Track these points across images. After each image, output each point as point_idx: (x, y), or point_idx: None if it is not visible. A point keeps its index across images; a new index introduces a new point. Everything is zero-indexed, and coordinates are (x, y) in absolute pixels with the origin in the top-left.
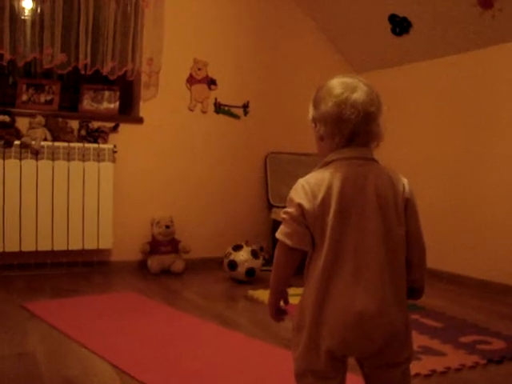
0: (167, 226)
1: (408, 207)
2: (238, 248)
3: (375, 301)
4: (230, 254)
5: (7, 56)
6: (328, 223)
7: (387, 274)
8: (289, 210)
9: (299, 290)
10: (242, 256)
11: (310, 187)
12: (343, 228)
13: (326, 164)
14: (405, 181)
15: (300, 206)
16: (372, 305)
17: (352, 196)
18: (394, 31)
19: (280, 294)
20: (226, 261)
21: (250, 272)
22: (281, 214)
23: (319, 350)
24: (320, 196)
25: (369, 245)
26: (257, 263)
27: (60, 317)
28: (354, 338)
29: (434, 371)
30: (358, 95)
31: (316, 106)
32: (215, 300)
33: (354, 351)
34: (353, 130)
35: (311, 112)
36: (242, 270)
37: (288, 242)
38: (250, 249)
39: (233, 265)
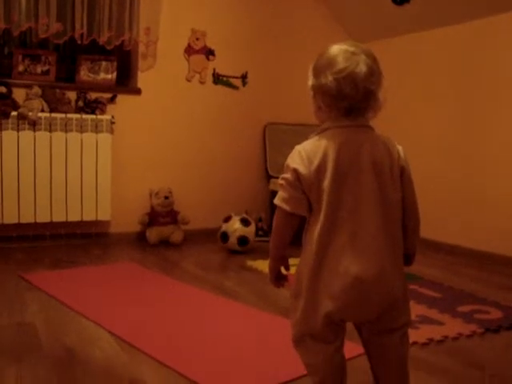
0: (166, 197)
1: (403, 175)
2: (227, 219)
3: (373, 265)
4: (221, 226)
5: (1, 25)
6: (324, 188)
7: (384, 239)
8: (285, 175)
9: (290, 261)
10: (232, 226)
11: (306, 153)
12: (339, 193)
13: (323, 131)
14: (400, 148)
15: (296, 171)
16: (370, 269)
17: (348, 162)
18: (394, 0)
19: (280, 260)
20: (218, 234)
21: (242, 240)
22: (278, 181)
23: (317, 315)
24: (316, 162)
25: (365, 209)
26: (248, 231)
27: (59, 287)
28: (351, 302)
29: (431, 340)
30: (359, 70)
31: (316, 75)
32: (214, 270)
33: (351, 316)
34: (351, 105)
35: (311, 80)
36: (233, 239)
37: (286, 207)
38: (238, 218)
39: (224, 236)
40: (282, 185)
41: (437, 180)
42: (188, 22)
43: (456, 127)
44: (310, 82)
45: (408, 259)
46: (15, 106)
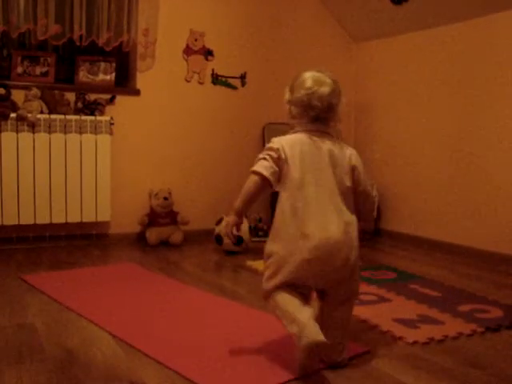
0: (165, 198)
1: (355, 172)
2: (219, 222)
3: (336, 232)
4: (214, 229)
5: (0, 27)
6: (293, 171)
7: (339, 215)
8: (269, 152)
9: None
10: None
11: (285, 142)
12: (304, 176)
13: (295, 132)
14: (353, 152)
15: (278, 150)
16: (335, 234)
17: (310, 155)
18: (393, 0)
19: (241, 217)
20: (213, 238)
21: (237, 240)
22: (259, 156)
23: (289, 268)
24: (288, 151)
25: (325, 191)
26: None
27: (59, 288)
28: (321, 259)
29: (431, 339)
30: (324, 89)
31: (292, 91)
32: (214, 271)
33: (319, 270)
34: (317, 115)
35: (287, 95)
36: (227, 240)
37: (264, 172)
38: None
39: (218, 239)
40: (264, 158)
41: (437, 179)
42: (186, 23)
43: (456, 126)
44: (287, 96)
45: (366, 234)
46: (14, 108)
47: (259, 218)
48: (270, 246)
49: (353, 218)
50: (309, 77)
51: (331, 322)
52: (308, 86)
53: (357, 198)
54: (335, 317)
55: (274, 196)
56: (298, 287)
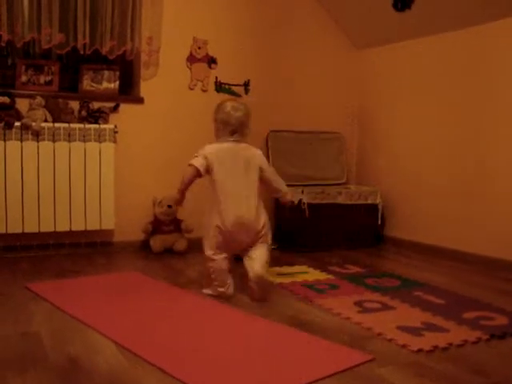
0: (169, 206)
1: (262, 167)
2: None
3: (247, 212)
4: None
5: (5, 36)
6: (216, 170)
7: (248, 199)
8: (200, 154)
9: (293, 269)
10: None
11: (211, 149)
12: (225, 173)
13: (219, 142)
14: (259, 152)
15: (206, 156)
16: (246, 214)
17: (230, 158)
18: (395, 6)
19: (182, 196)
20: None
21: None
22: (194, 155)
23: (218, 236)
24: (214, 156)
25: (239, 182)
26: None
27: (63, 297)
28: (237, 230)
29: (436, 347)
30: (238, 113)
31: (217, 113)
32: None
33: (237, 237)
34: (233, 130)
35: (214, 115)
36: None
37: (199, 167)
38: None
39: None
40: (197, 156)
41: (440, 186)
42: (190, 31)
43: (460, 132)
44: (214, 116)
45: (285, 203)
46: (18, 117)
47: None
48: (206, 221)
49: (258, 202)
50: (228, 104)
51: (251, 257)
52: (227, 111)
53: (267, 182)
54: (251, 253)
55: (278, 205)
56: (226, 251)
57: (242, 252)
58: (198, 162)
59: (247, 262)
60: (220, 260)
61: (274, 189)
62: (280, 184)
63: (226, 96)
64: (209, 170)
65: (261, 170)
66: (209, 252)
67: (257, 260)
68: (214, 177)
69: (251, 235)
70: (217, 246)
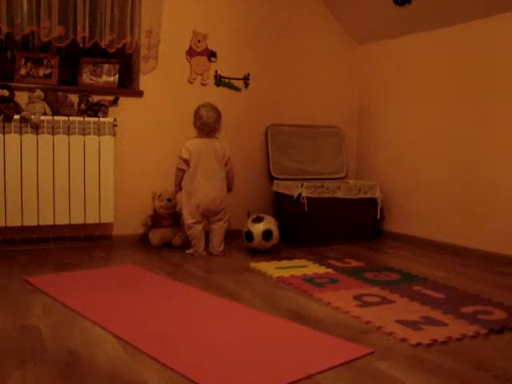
0: (169, 200)
1: (227, 160)
2: (253, 219)
3: (214, 193)
4: (245, 226)
5: (4, 29)
6: (194, 162)
7: (216, 184)
8: (181, 157)
9: (293, 263)
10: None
11: (190, 148)
12: (199, 164)
13: (196, 138)
14: (227, 147)
15: (186, 159)
16: (213, 194)
17: (204, 152)
18: (396, 1)
19: (179, 186)
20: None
21: (267, 233)
22: (178, 159)
23: (195, 210)
24: (192, 151)
25: (211, 171)
26: (258, 228)
27: (63, 290)
28: (207, 205)
29: (435, 341)
30: (211, 115)
31: (194, 119)
32: (217, 272)
33: (207, 210)
34: (209, 129)
35: (193, 121)
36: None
37: (185, 168)
38: (251, 218)
39: (249, 235)
40: (180, 158)
41: (440, 181)
42: (189, 25)
43: (460, 127)
44: (193, 121)
45: (229, 190)
46: (18, 110)
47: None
48: (184, 200)
49: (222, 186)
50: (203, 109)
51: (214, 232)
52: (202, 115)
53: (227, 173)
54: (215, 228)
55: (277, 199)
56: (200, 217)
57: (210, 217)
58: (184, 166)
59: (211, 236)
60: (197, 227)
61: (229, 179)
62: (230, 180)
63: (226, 90)
64: (189, 162)
65: (225, 162)
66: (190, 220)
67: (216, 234)
68: (193, 164)
69: (214, 208)
70: (192, 216)
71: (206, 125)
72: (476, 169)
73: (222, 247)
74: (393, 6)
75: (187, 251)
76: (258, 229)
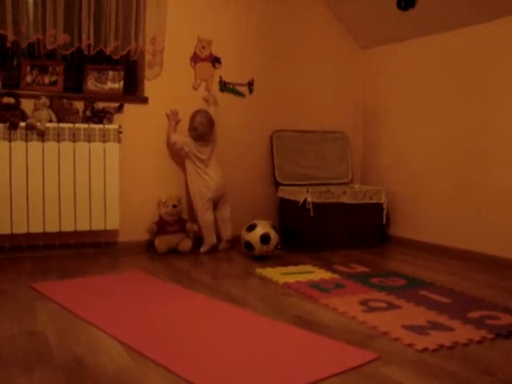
0: (174, 206)
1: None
2: (249, 228)
3: (219, 179)
4: (243, 236)
5: (10, 37)
6: (192, 153)
7: (219, 173)
8: (185, 148)
9: (298, 268)
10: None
11: (187, 142)
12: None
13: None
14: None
15: (189, 150)
16: (217, 180)
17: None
18: (399, 5)
19: (174, 127)
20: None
21: (265, 238)
22: (180, 147)
23: (204, 196)
24: (190, 144)
25: (211, 161)
26: (254, 235)
27: (68, 296)
28: (215, 190)
29: (441, 346)
30: (204, 120)
31: (190, 122)
32: (223, 278)
33: (215, 196)
34: (201, 135)
35: (189, 126)
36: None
37: (186, 149)
38: (244, 228)
39: (248, 245)
40: (179, 147)
41: (446, 185)
42: (194, 31)
43: (466, 130)
44: (189, 126)
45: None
46: (23, 117)
47: (273, 225)
48: (195, 191)
49: (222, 175)
50: (198, 116)
51: (223, 216)
52: (196, 120)
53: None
54: (223, 213)
55: (282, 205)
56: (211, 202)
57: (217, 203)
58: (183, 147)
59: (219, 223)
60: (209, 214)
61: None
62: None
63: (231, 96)
64: (189, 157)
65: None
66: (201, 210)
67: (223, 220)
68: (193, 164)
69: (220, 193)
70: (204, 200)
71: (198, 137)
72: (481, 173)
73: (230, 231)
74: (396, 10)
75: (202, 250)
76: (254, 236)
